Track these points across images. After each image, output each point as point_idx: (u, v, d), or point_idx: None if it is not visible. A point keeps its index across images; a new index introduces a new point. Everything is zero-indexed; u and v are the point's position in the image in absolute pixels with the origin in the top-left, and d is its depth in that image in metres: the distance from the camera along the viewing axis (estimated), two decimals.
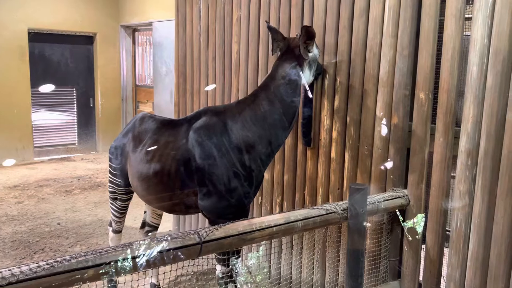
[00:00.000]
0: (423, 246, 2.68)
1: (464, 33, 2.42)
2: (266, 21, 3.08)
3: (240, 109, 2.73)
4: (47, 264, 1.44)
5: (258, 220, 2.01)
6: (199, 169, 2.69)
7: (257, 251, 3.08)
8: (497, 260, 2.33)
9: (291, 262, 3.41)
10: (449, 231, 2.57)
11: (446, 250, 2.60)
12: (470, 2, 2.39)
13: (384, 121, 2.72)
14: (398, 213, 2.63)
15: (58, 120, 8.78)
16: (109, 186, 3.35)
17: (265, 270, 2.96)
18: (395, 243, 2.76)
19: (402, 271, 2.76)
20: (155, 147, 2.91)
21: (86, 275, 1.48)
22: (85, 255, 1.51)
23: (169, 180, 2.81)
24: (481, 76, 2.31)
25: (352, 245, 2.28)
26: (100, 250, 1.56)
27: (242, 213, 2.76)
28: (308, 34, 2.67)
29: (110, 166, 3.29)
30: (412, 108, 2.63)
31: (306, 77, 2.79)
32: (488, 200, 2.34)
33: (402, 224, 2.67)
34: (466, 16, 2.40)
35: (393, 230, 2.75)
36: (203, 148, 2.69)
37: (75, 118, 8.97)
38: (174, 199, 2.84)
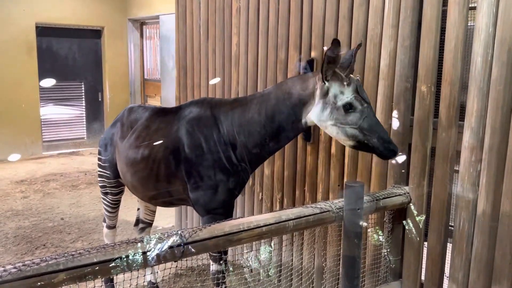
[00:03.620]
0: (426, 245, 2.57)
1: (468, 24, 2.29)
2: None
3: (234, 106, 2.64)
4: (14, 268, 1.37)
5: (246, 220, 1.92)
6: (186, 159, 2.63)
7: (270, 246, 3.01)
8: (502, 262, 2.21)
9: (292, 249, 3.33)
10: (452, 226, 2.45)
11: (450, 247, 2.48)
12: None
13: (395, 114, 2.60)
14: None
15: (66, 114, 8.79)
16: (99, 180, 3.31)
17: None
18: (396, 242, 2.65)
19: (403, 271, 2.65)
20: (146, 133, 2.84)
21: (56, 279, 1.41)
22: (56, 258, 1.44)
23: (155, 166, 2.74)
24: (486, 67, 2.18)
25: (348, 245, 2.18)
26: (73, 253, 1.49)
27: (231, 208, 2.70)
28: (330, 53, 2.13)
29: (99, 159, 3.25)
30: (414, 101, 2.51)
31: (314, 114, 2.31)
32: (493, 198, 2.22)
33: (404, 223, 2.56)
34: (470, 6, 2.27)
35: (394, 228, 2.64)
36: (193, 139, 2.62)
37: (84, 112, 8.97)
38: (160, 188, 2.77)
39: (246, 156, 2.59)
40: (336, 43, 2.11)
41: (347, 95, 2.20)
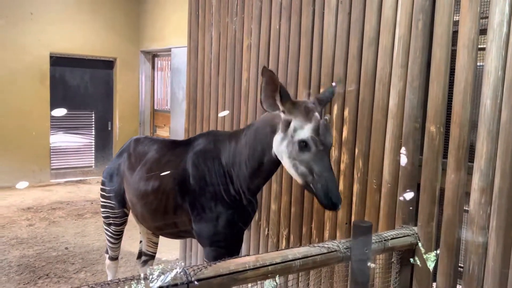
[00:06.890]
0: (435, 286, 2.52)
1: (478, 63, 2.31)
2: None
3: (231, 138, 2.70)
4: None
5: (252, 259, 1.90)
6: (191, 191, 2.66)
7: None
8: None
9: None
10: (462, 267, 2.40)
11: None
12: (484, 32, 2.28)
13: (403, 150, 2.59)
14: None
15: (76, 142, 8.86)
16: (103, 211, 3.31)
17: None
18: (405, 284, 2.60)
19: None
20: (156, 165, 2.87)
21: None
22: None
23: (164, 197, 2.78)
24: (495, 110, 2.18)
25: (355, 286, 2.14)
26: None
27: (235, 243, 2.69)
28: (266, 78, 2.16)
29: (103, 190, 3.26)
30: (423, 141, 2.50)
31: (275, 143, 2.29)
32: (504, 242, 2.18)
33: (412, 261, 2.52)
34: (480, 46, 2.29)
35: (402, 270, 2.59)
36: (197, 170, 2.67)
37: (93, 141, 9.04)
38: (168, 220, 2.79)
39: (242, 187, 2.60)
40: (265, 71, 2.11)
41: (305, 133, 2.15)
